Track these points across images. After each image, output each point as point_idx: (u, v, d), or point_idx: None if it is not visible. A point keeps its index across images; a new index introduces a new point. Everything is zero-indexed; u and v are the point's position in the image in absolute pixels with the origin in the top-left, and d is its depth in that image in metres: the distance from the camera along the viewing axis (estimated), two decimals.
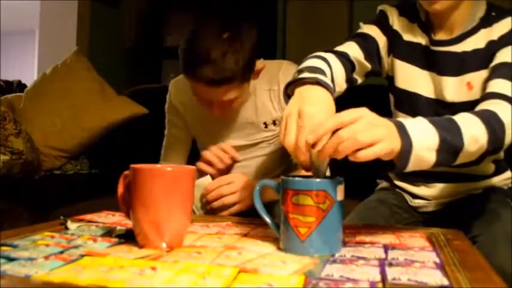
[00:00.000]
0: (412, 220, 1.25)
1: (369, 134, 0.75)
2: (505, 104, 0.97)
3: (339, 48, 1.18)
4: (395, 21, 1.24)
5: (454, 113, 1.13)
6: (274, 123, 1.42)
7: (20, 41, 6.85)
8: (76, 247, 0.76)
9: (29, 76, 3.76)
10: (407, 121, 0.83)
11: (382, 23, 1.25)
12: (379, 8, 1.27)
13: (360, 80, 1.21)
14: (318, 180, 0.78)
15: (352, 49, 1.18)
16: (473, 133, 0.88)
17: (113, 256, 0.71)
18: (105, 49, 3.20)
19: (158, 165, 0.85)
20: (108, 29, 3.33)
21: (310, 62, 1.04)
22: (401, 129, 0.80)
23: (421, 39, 1.21)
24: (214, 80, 1.20)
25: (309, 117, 0.83)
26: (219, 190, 1.25)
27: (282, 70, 1.38)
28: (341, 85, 1.13)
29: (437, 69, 1.18)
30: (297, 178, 0.79)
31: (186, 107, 1.47)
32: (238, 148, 1.41)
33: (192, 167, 0.81)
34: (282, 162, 1.49)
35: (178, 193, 0.78)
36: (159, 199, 0.76)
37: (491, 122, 0.91)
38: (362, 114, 0.77)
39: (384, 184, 1.36)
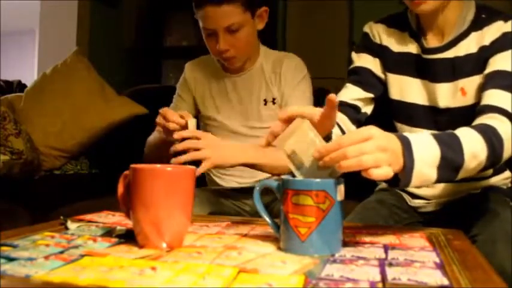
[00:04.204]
0: (411, 220, 1.25)
1: (374, 157, 0.75)
2: (504, 120, 0.97)
3: (338, 98, 1.24)
4: (384, 36, 1.26)
5: (450, 118, 1.14)
6: (273, 101, 1.49)
7: (20, 41, 6.84)
8: (76, 247, 0.76)
9: (29, 76, 3.75)
10: (413, 137, 0.83)
11: (369, 46, 1.28)
12: (364, 29, 1.30)
13: (369, 111, 1.27)
14: (318, 180, 0.78)
15: (349, 93, 1.25)
16: (473, 150, 0.89)
17: (113, 256, 0.71)
18: (105, 49, 3.20)
19: (158, 166, 0.85)
20: (108, 29, 3.33)
21: None
22: (407, 147, 0.81)
23: (412, 48, 1.22)
24: None
25: None
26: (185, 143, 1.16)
27: (288, 57, 1.51)
28: (349, 127, 1.20)
29: (430, 76, 1.18)
30: (297, 178, 0.79)
31: (197, 81, 1.57)
32: (235, 131, 1.50)
33: (192, 167, 0.81)
34: None
35: (178, 193, 0.78)
36: (159, 199, 0.76)
37: (492, 138, 0.92)
38: (373, 135, 0.77)
39: (383, 185, 1.36)
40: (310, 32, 3.64)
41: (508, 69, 1.05)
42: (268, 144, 0.88)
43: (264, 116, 1.50)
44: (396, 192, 1.30)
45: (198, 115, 1.58)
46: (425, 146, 0.84)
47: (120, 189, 0.82)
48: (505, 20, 1.10)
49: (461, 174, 0.89)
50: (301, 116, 0.85)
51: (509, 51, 1.07)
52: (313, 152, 0.78)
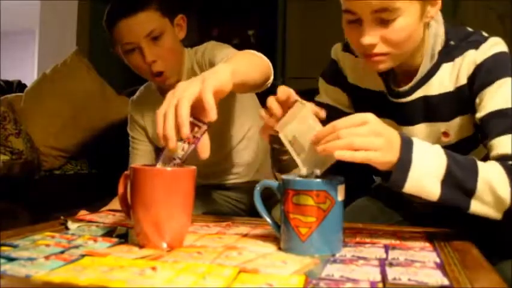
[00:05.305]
0: (401, 218, 1.22)
1: (366, 140, 0.75)
2: None
3: None
4: (350, 70, 1.12)
5: None
6: None
7: (20, 41, 6.85)
8: (76, 247, 0.77)
9: (29, 76, 3.76)
10: (419, 140, 0.81)
11: (337, 78, 1.14)
12: (332, 55, 1.15)
13: None
14: (318, 180, 0.78)
15: None
16: (490, 179, 0.82)
17: (113, 256, 0.71)
18: (105, 49, 3.20)
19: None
20: None
21: None
22: (406, 145, 0.79)
23: (380, 87, 1.08)
24: (129, 7, 1.29)
25: None
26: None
27: (208, 49, 1.37)
28: None
29: (404, 119, 1.06)
30: (297, 178, 0.79)
31: (145, 118, 1.50)
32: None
33: (193, 167, 0.81)
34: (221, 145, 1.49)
35: (179, 193, 0.78)
36: (160, 199, 0.76)
37: None
38: (369, 119, 0.77)
39: (378, 181, 1.33)
40: (310, 32, 3.64)
41: (503, 106, 0.93)
42: (269, 128, 0.86)
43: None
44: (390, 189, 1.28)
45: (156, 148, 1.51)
46: (430, 151, 0.81)
47: (121, 189, 0.82)
48: (476, 47, 0.97)
49: (476, 207, 0.83)
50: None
51: (493, 85, 0.94)
52: (311, 137, 0.79)
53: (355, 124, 0.76)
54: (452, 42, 1.00)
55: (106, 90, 2.32)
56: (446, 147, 0.86)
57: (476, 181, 0.81)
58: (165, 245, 0.77)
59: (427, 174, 0.80)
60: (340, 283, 0.60)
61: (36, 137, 2.11)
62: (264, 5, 3.79)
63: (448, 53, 1.00)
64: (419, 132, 1.05)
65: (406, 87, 1.03)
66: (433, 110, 1.03)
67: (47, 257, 0.69)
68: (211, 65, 1.30)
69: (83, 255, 0.71)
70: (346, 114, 1.11)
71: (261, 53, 1.20)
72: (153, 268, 0.63)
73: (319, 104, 1.13)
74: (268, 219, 0.83)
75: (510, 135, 0.89)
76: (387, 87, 1.06)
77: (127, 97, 2.34)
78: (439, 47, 1.00)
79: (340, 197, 0.77)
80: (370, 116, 0.78)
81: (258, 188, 0.83)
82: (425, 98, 1.02)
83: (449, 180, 0.80)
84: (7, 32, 6.53)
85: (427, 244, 0.82)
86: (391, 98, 1.05)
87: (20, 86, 2.77)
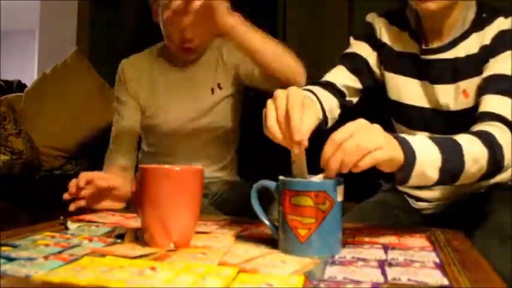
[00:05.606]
0: (411, 222, 1.23)
1: (370, 141, 0.74)
2: (502, 127, 0.95)
3: (327, 77, 1.21)
4: (384, 33, 1.22)
5: (451, 120, 1.11)
6: (219, 86, 1.47)
7: (20, 41, 6.85)
8: (76, 247, 0.76)
9: (29, 76, 3.76)
10: (408, 136, 0.83)
11: (371, 37, 1.24)
12: (367, 19, 1.26)
13: (355, 100, 1.23)
14: (317, 180, 0.78)
15: (339, 75, 1.21)
16: (474, 155, 0.87)
17: (113, 256, 0.71)
18: (105, 49, 3.20)
19: (166, 166, 0.85)
20: (108, 29, 3.33)
21: None
22: (404, 143, 0.80)
23: (411, 49, 1.18)
24: None
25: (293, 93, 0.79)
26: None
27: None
28: (333, 112, 1.17)
29: (431, 78, 1.15)
30: (296, 179, 0.79)
31: (142, 82, 1.49)
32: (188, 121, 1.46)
33: (200, 167, 0.81)
34: (227, 150, 1.54)
35: (186, 193, 0.78)
36: (166, 199, 0.77)
37: (491, 144, 0.91)
38: (359, 125, 0.76)
39: (387, 186, 1.35)
40: (310, 31, 3.64)
41: (507, 72, 1.02)
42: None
43: (214, 104, 1.49)
44: (400, 193, 1.29)
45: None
46: (424, 144, 0.83)
47: (135, 187, 0.82)
48: (506, 16, 1.07)
49: (461, 180, 0.88)
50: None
51: (507, 52, 1.04)
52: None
53: (351, 129, 0.75)
54: (484, 15, 1.09)
55: (106, 90, 2.32)
56: (464, 112, 1.01)
57: (463, 159, 0.86)
58: (172, 245, 0.77)
59: (427, 165, 0.82)
60: (341, 284, 0.60)
61: (36, 137, 2.12)
62: (263, 5, 3.80)
63: (479, 24, 1.10)
64: (443, 91, 1.13)
65: (437, 45, 1.13)
66: (458, 70, 1.11)
67: (46, 257, 0.69)
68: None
69: (82, 255, 0.71)
70: (371, 70, 1.23)
71: None
72: (153, 268, 0.63)
73: (348, 56, 1.24)
74: (266, 221, 0.82)
75: (502, 96, 0.98)
76: (418, 45, 1.16)
77: None
78: (471, 16, 1.11)
79: (340, 197, 0.76)
80: (358, 122, 0.77)
81: (254, 188, 0.82)
82: (453, 60, 1.12)
83: (445, 166, 0.84)
84: (7, 32, 6.53)
85: (427, 244, 0.82)
86: (422, 55, 1.15)
87: (20, 86, 2.77)
